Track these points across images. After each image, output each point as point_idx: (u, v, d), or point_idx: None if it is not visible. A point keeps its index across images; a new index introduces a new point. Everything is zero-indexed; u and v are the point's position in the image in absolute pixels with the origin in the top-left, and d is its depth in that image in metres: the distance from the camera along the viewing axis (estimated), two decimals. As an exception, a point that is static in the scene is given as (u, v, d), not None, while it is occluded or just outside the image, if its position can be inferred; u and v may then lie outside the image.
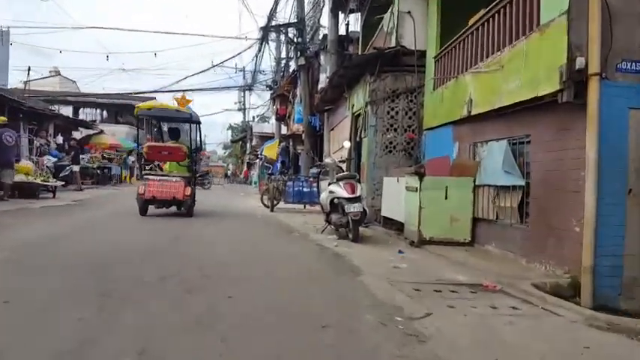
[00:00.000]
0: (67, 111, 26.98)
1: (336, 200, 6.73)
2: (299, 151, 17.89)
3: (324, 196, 7.49)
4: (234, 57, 47.44)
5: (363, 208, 6.61)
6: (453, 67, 7.39)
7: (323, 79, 15.16)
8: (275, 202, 12.05)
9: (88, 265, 4.27)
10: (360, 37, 12.56)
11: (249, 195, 19.81)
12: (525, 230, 5.29)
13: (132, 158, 27.03)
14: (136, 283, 3.69)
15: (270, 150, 17.47)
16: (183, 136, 12.54)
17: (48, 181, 12.17)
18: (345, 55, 10.66)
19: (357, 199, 6.64)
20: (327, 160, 7.97)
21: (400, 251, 5.89)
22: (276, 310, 3.20)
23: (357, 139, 9.78)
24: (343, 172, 7.61)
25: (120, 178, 25.63)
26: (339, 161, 8.07)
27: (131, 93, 29.92)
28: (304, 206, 12.43)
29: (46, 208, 9.63)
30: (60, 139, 18.48)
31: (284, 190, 12.26)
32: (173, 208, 9.28)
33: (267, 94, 31.60)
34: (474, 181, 6.35)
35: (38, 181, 11.77)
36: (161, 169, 9.84)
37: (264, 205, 12.85)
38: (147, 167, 9.65)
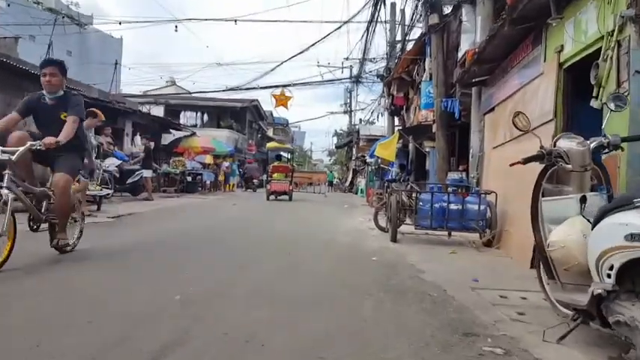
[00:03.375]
0: (158, 112, 25.09)
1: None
2: (426, 149, 12.78)
3: (572, 243, 2.66)
4: (340, 27, 42.78)
5: None
6: None
7: (466, 44, 10.11)
8: (398, 223, 7.44)
9: None
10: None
11: (356, 208, 15.34)
12: None
13: (225, 164, 24.33)
14: None
15: (386, 148, 12.46)
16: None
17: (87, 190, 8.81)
18: None
19: None
20: (563, 145, 2.99)
21: None
22: None
23: (598, 106, 4.56)
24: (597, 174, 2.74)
25: (214, 186, 22.73)
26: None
27: (229, 89, 27.25)
28: (449, 235, 7.55)
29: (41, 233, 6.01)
30: (138, 139, 15.86)
31: (412, 206, 7.59)
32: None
33: (377, 90, 27.13)
34: None
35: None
36: (272, 177, 17.95)
37: (379, 227, 8.51)
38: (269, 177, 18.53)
